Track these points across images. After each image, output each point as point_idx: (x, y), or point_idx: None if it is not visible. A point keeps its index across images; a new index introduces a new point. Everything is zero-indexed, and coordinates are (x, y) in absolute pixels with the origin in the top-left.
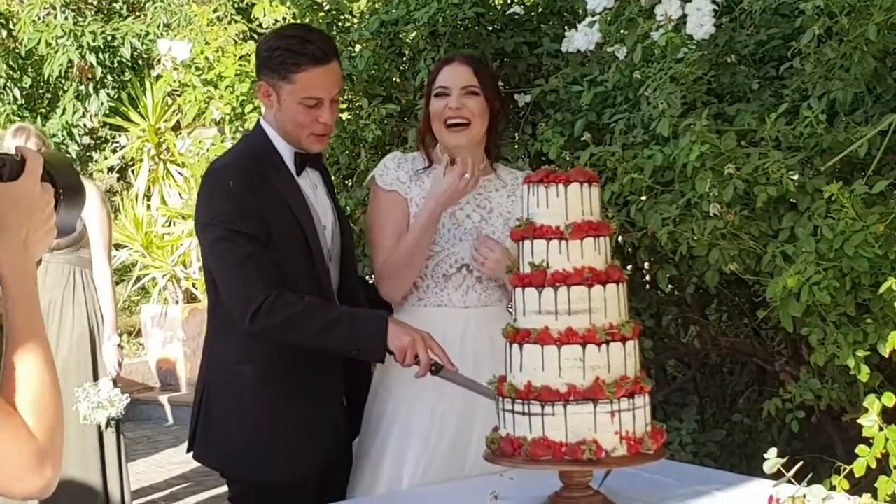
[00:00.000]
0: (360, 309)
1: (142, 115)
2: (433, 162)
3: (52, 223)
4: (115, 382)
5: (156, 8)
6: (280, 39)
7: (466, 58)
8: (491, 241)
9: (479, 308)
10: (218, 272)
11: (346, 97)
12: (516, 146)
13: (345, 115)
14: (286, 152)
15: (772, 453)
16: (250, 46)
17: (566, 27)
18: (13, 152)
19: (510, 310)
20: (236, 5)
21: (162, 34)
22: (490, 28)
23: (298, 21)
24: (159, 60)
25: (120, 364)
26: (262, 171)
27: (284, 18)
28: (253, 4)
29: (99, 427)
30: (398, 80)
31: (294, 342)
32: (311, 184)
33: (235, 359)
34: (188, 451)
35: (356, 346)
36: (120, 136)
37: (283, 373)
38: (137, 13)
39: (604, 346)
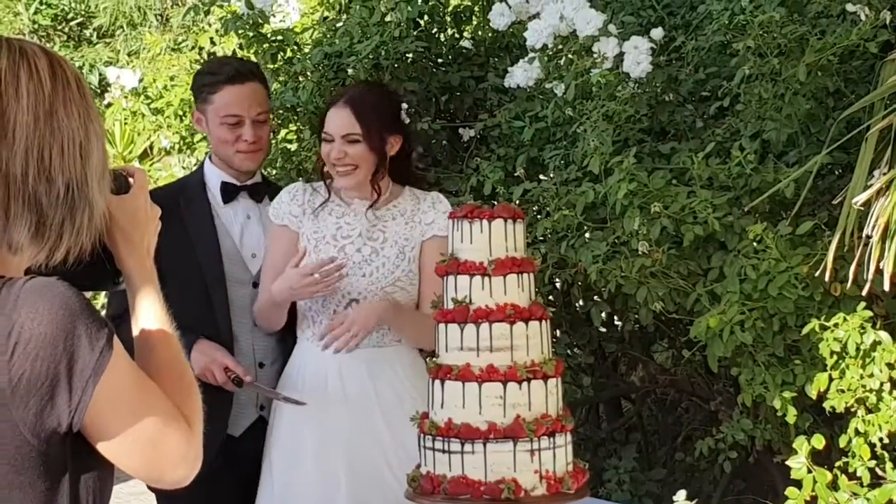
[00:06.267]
0: None
1: (110, 143)
2: (331, 194)
3: (157, 233)
4: None
5: (125, 35)
6: (203, 66)
7: (349, 99)
8: (339, 316)
9: (361, 347)
10: None
11: (292, 128)
12: (460, 180)
13: (293, 146)
14: (214, 181)
15: (680, 496)
16: None
17: (513, 62)
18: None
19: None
20: (196, 37)
21: (131, 62)
22: (439, 61)
23: (246, 51)
24: (109, 89)
25: None
26: (171, 204)
27: (234, 51)
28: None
29: None
30: None
31: None
32: (242, 212)
33: None
34: None
35: None
36: None
37: None
38: (108, 41)
39: (525, 383)
